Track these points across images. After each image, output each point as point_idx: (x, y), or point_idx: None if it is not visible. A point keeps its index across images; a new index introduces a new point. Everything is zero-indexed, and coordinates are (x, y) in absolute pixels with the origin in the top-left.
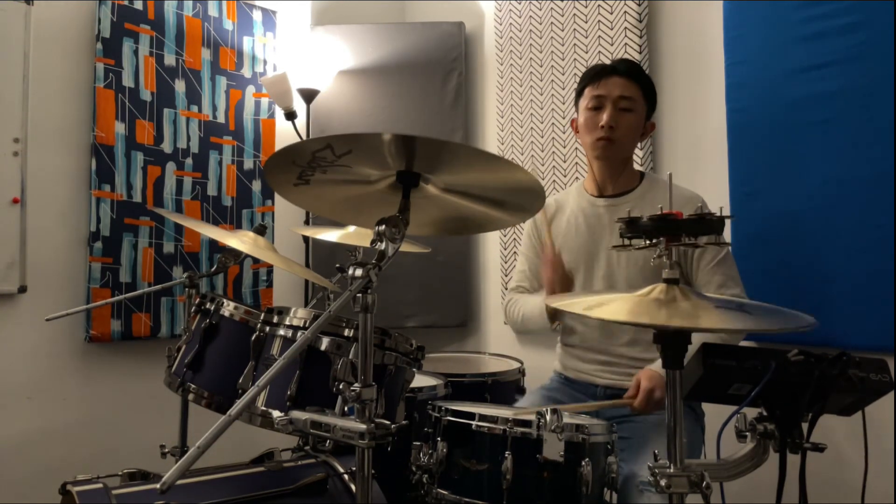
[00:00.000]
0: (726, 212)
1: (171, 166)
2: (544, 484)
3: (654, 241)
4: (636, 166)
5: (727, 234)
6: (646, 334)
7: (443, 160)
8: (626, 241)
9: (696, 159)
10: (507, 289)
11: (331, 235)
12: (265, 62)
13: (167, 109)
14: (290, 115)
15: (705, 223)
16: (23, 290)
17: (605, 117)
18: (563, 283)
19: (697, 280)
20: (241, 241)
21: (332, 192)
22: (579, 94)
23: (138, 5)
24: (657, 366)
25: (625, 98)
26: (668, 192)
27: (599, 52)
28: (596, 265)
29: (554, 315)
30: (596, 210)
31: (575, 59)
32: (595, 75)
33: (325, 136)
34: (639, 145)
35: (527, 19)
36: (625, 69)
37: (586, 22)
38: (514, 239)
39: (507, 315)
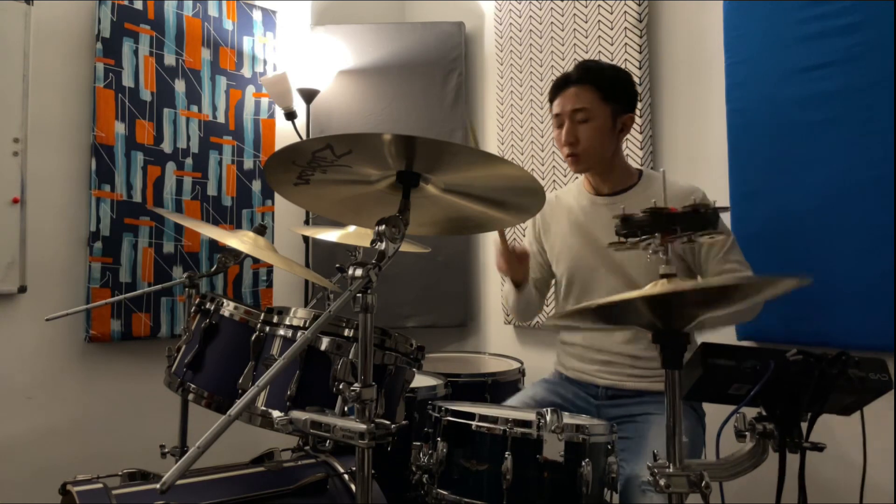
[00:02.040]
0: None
1: (171, 166)
2: (544, 484)
3: (649, 236)
4: (636, 166)
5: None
6: (645, 332)
7: (443, 160)
8: (622, 239)
9: (696, 159)
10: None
11: (331, 235)
12: (265, 62)
13: (167, 109)
14: (290, 115)
15: (699, 216)
16: (23, 290)
17: (563, 135)
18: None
19: (710, 272)
20: (241, 241)
21: (333, 191)
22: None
23: (138, 5)
24: None
25: (577, 110)
26: (663, 187)
27: (599, 52)
28: (597, 263)
29: (518, 283)
30: (596, 208)
31: (575, 59)
32: (553, 92)
33: (324, 137)
34: (638, 144)
35: (527, 19)
36: (576, 77)
37: (586, 22)
38: (515, 239)
39: (504, 306)
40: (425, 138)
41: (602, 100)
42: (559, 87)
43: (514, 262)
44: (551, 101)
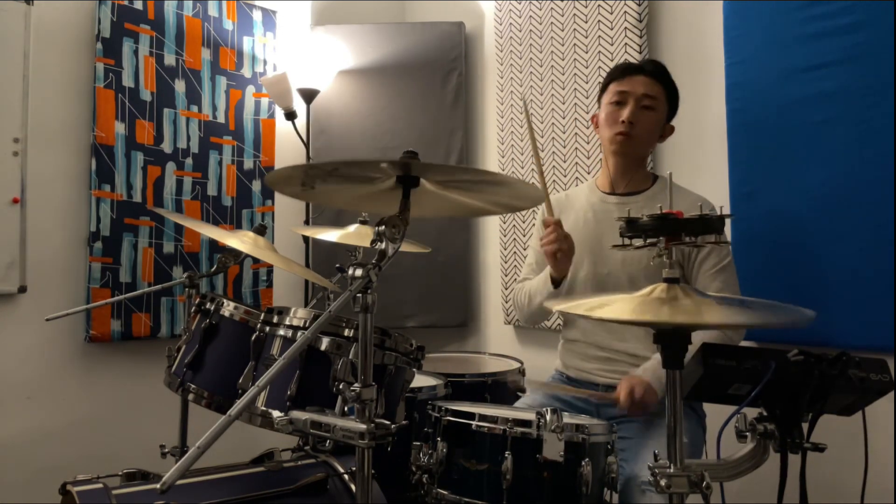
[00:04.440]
0: (726, 212)
1: (171, 166)
2: (544, 484)
3: (653, 240)
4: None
5: (727, 235)
6: (647, 331)
7: (442, 173)
8: (627, 241)
9: (696, 159)
10: (506, 288)
11: (331, 235)
12: (265, 62)
13: (167, 109)
14: (290, 115)
15: (705, 222)
16: (23, 290)
17: (626, 112)
18: (566, 246)
19: (697, 284)
20: (241, 241)
21: (338, 193)
22: (603, 89)
23: (138, 5)
24: (645, 368)
25: (648, 96)
26: (669, 191)
27: (599, 52)
28: (601, 261)
29: (559, 281)
30: (606, 207)
31: (575, 59)
32: (622, 72)
33: (301, 165)
34: None
35: (527, 19)
36: (652, 69)
37: (586, 22)
38: (514, 239)
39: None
40: (421, 162)
41: (666, 98)
42: (629, 71)
43: (566, 243)
44: (612, 80)
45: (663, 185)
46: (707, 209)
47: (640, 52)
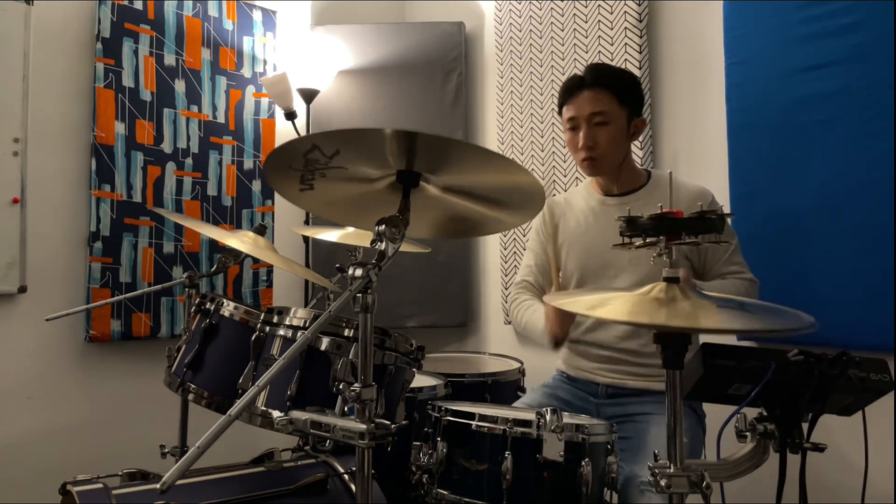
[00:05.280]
0: (726, 211)
1: (171, 166)
2: (544, 484)
3: (653, 239)
4: (639, 167)
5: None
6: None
7: (443, 158)
8: (627, 240)
9: (696, 159)
10: (506, 288)
11: (331, 235)
12: (265, 62)
13: (167, 109)
14: (290, 115)
15: (705, 222)
16: (23, 290)
17: (580, 138)
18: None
19: (713, 271)
20: (241, 241)
21: (336, 192)
22: (559, 112)
23: (138, 5)
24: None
25: (596, 114)
26: (669, 190)
27: (599, 51)
28: (604, 263)
29: (557, 344)
30: (606, 209)
31: (575, 59)
32: (565, 94)
33: (310, 136)
34: (638, 144)
35: (527, 19)
36: (592, 79)
37: (586, 22)
38: (515, 239)
39: (511, 314)
40: (424, 134)
41: (618, 103)
42: (571, 90)
43: (568, 325)
44: (563, 104)
45: (659, 181)
46: (708, 200)
47: (640, 52)
